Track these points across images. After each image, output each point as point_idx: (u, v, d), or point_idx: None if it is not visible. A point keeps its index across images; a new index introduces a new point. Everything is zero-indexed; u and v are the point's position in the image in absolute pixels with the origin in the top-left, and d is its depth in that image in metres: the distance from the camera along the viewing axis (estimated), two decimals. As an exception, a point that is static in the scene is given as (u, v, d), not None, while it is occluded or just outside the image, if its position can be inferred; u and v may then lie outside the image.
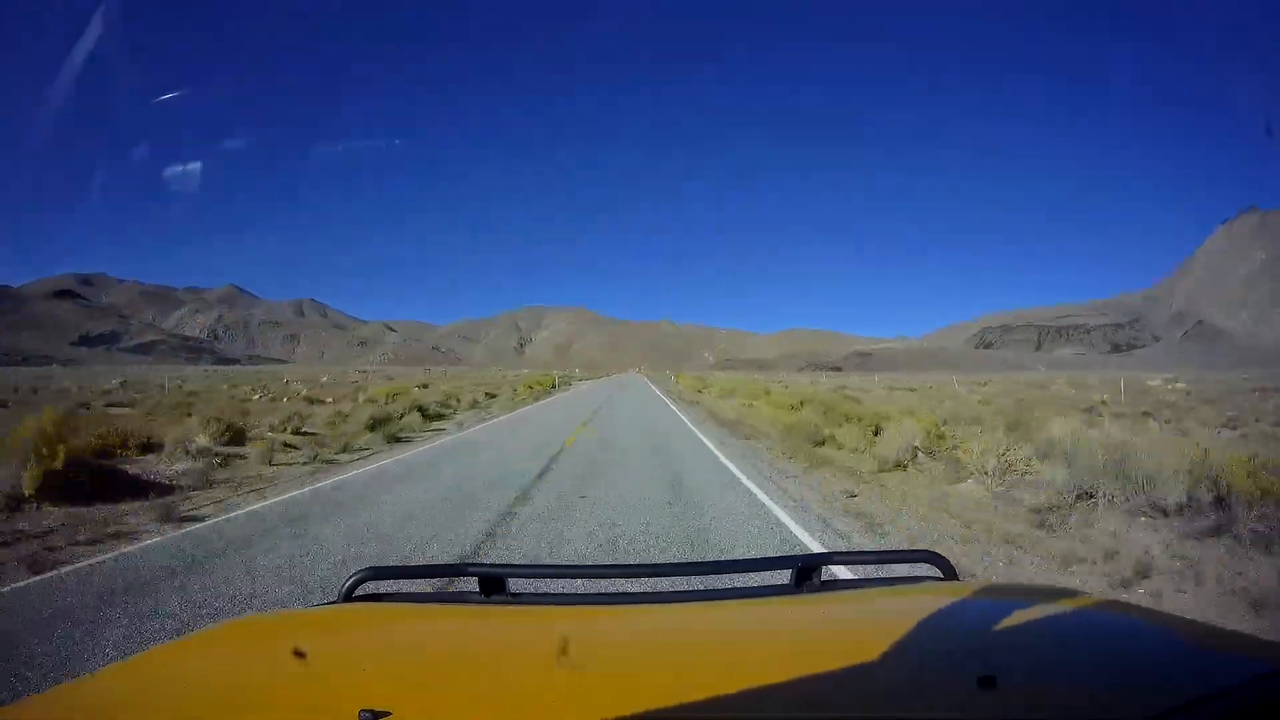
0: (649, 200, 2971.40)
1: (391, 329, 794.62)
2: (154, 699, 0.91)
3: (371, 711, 0.73)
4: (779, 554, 5.38)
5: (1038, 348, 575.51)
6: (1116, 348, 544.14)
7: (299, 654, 0.93)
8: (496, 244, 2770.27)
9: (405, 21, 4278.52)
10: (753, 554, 5.45)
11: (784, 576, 1.42)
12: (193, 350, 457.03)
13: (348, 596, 1.37)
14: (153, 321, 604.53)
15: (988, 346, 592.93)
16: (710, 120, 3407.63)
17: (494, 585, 1.37)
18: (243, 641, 1.22)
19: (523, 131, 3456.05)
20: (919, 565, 1.54)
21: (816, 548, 5.72)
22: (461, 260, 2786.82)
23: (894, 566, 1.80)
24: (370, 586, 1.44)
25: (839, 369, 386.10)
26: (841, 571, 3.70)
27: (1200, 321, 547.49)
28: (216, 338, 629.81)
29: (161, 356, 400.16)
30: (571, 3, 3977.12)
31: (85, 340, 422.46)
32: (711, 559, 4.70)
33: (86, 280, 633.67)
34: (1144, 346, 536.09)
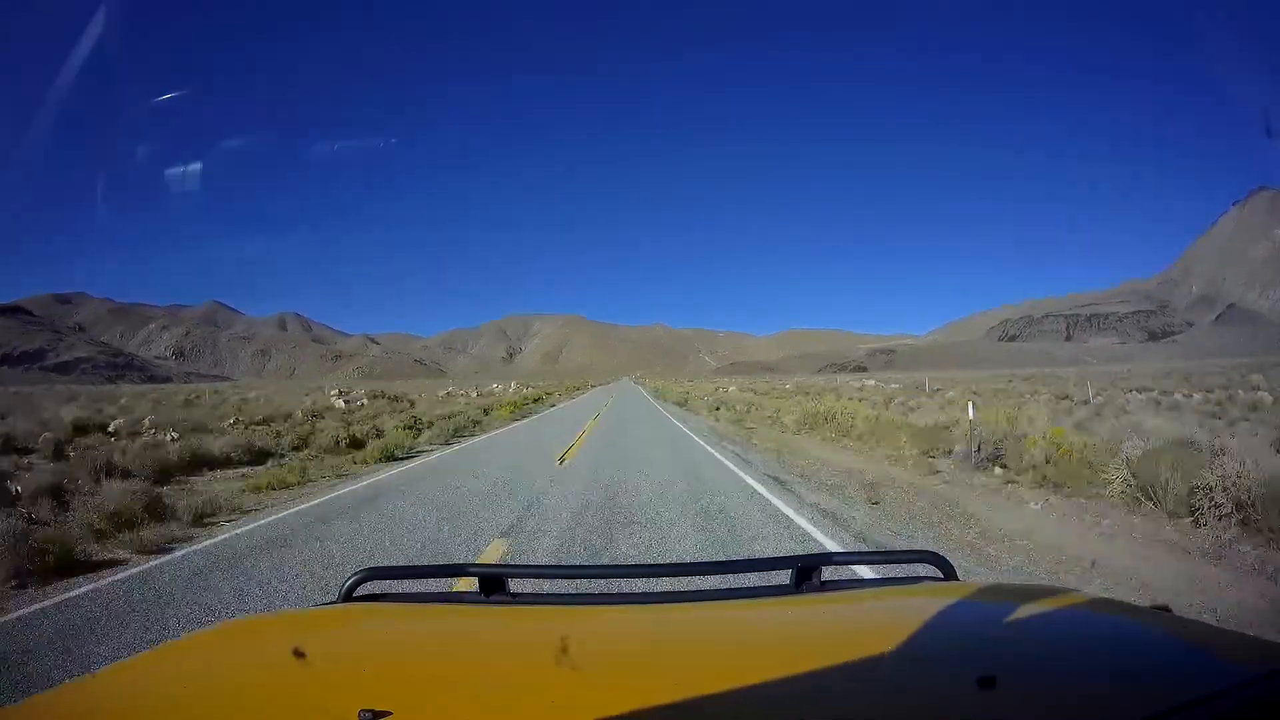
0: (638, 203, 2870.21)
1: (375, 342, 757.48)
2: (154, 699, 0.91)
3: (371, 711, 0.73)
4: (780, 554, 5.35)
5: (1067, 338, 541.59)
6: (1152, 335, 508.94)
7: (299, 654, 0.93)
8: (485, 253, 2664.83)
9: (391, 27, 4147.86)
10: None
11: (784, 577, 1.41)
12: (119, 368, 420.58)
13: (347, 596, 1.36)
14: (119, 340, 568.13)
15: (1011, 339, 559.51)
16: (700, 117, 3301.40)
17: (494, 585, 1.36)
18: (243, 641, 1.22)
19: (512, 133, 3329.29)
20: (919, 565, 1.53)
21: None
22: (450, 271, 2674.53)
23: (894, 566, 1.79)
24: (370, 586, 1.44)
25: (864, 368, 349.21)
26: (841, 572, 3.68)
27: (1233, 305, 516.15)
28: (182, 355, 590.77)
29: (83, 375, 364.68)
30: (559, 5, 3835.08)
31: (6, 359, 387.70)
32: (714, 560, 4.59)
33: (64, 299, 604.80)
34: (1179, 333, 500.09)
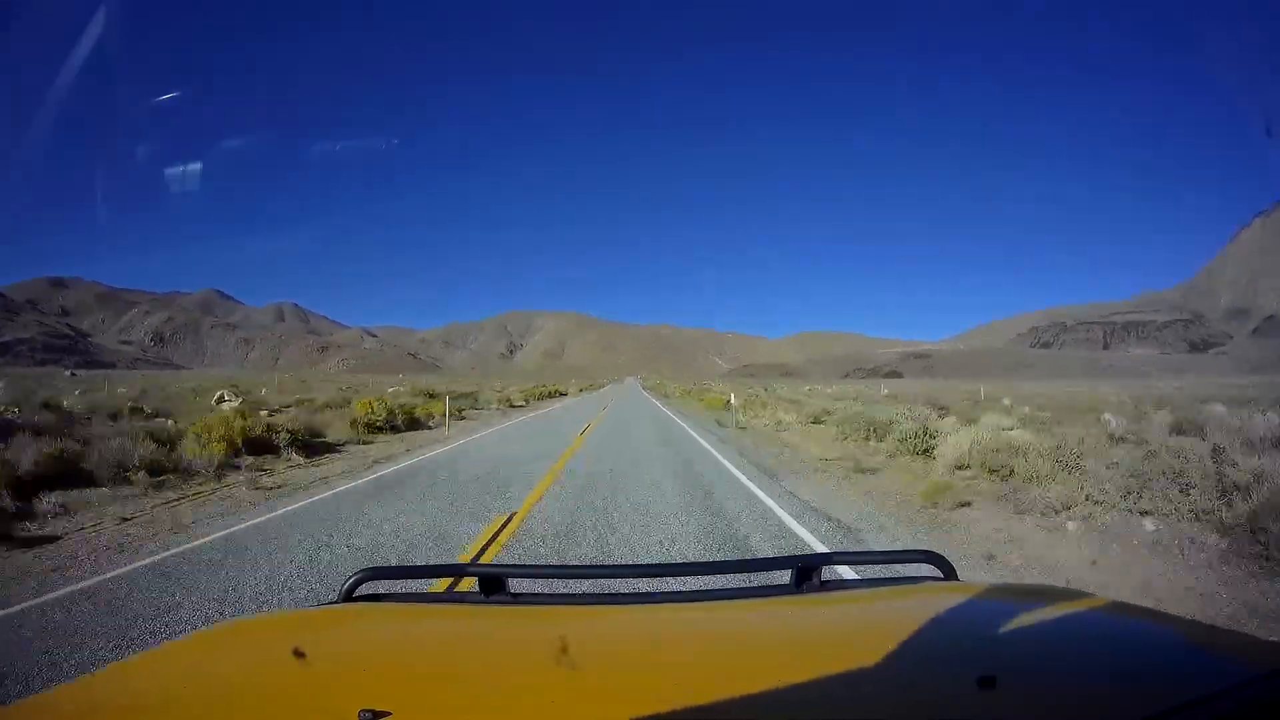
0: (641, 203, 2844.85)
1: (372, 334, 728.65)
2: (154, 699, 0.90)
3: (371, 711, 0.73)
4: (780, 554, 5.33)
5: (1105, 346, 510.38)
6: (1194, 347, 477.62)
7: (299, 654, 0.93)
8: (489, 249, 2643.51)
9: (391, 27, 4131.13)
10: None
11: (784, 577, 1.40)
12: (58, 351, 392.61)
13: (348, 596, 1.35)
14: (101, 324, 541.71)
15: (1045, 346, 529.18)
16: (702, 118, 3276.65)
17: (494, 585, 1.35)
18: (243, 641, 1.21)
19: (515, 133, 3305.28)
20: (919, 565, 1.54)
21: None
22: (453, 267, 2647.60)
23: (894, 567, 1.80)
24: (370, 587, 1.42)
25: (898, 374, 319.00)
26: (841, 572, 3.69)
27: (1271, 317, 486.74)
28: (162, 341, 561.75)
29: (15, 358, 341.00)
30: (559, 5, 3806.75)
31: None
32: (714, 560, 4.63)
33: (59, 283, 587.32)
34: (1221, 344, 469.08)
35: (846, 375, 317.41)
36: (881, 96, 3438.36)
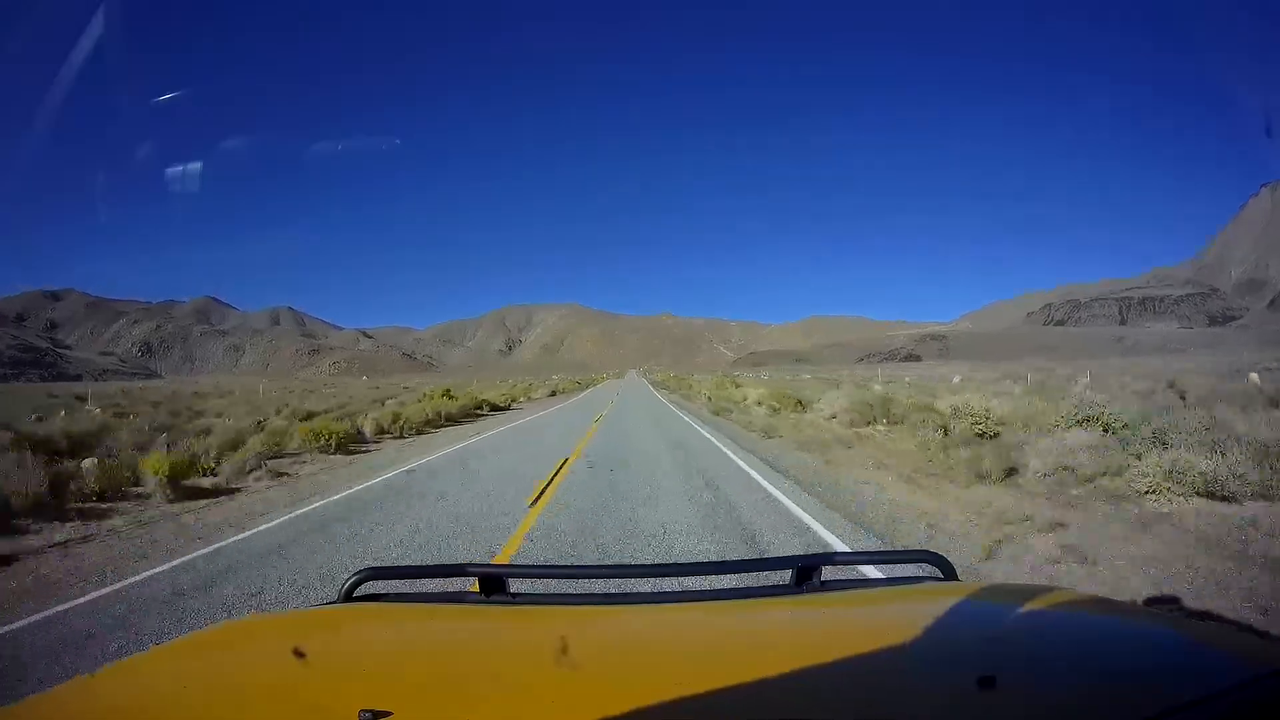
0: (645, 192, 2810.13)
1: (368, 335, 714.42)
2: (154, 699, 0.90)
3: (372, 711, 0.73)
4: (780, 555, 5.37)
5: (1121, 323, 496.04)
6: (1214, 320, 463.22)
7: (299, 654, 0.93)
8: (486, 245, 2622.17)
9: (390, 23, 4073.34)
10: None
11: (784, 577, 1.40)
12: (21, 365, 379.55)
13: (348, 596, 1.35)
14: (89, 335, 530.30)
15: (1059, 324, 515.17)
16: (701, 110, 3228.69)
17: (494, 585, 1.35)
18: (243, 641, 1.22)
19: (514, 126, 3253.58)
20: (919, 565, 1.53)
21: None
22: (451, 264, 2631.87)
23: (894, 567, 1.76)
24: (370, 586, 1.42)
25: (916, 357, 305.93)
26: (842, 572, 3.76)
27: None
28: (150, 351, 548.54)
29: None
30: (559, 3, 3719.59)
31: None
32: (714, 560, 4.65)
33: (54, 295, 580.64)
34: (1239, 317, 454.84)
35: (861, 360, 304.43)
36: (882, 84, 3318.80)
